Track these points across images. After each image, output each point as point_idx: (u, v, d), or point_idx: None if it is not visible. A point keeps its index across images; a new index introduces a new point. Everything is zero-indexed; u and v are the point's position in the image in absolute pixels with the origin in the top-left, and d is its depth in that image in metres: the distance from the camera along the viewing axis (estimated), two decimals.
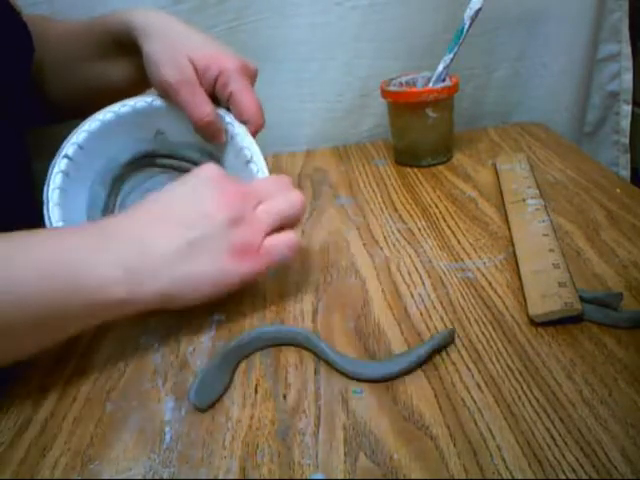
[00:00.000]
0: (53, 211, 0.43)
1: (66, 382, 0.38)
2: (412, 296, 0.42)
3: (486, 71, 0.76)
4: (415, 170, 0.64)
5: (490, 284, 0.42)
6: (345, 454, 0.30)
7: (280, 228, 0.41)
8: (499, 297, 0.41)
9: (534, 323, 0.37)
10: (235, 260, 0.38)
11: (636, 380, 0.32)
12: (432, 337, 0.36)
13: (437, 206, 0.55)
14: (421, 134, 0.64)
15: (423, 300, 0.41)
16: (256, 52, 0.71)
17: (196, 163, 0.50)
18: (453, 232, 0.50)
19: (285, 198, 0.41)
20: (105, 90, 0.56)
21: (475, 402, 0.32)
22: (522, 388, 0.33)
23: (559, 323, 0.37)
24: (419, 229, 0.52)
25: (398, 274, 0.45)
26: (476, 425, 0.31)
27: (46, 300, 0.33)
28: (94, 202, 0.47)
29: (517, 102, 0.79)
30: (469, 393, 0.33)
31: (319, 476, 0.29)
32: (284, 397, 0.34)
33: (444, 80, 0.63)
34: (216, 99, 0.49)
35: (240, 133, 0.48)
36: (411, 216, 0.54)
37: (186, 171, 0.49)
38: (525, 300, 0.39)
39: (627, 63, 0.77)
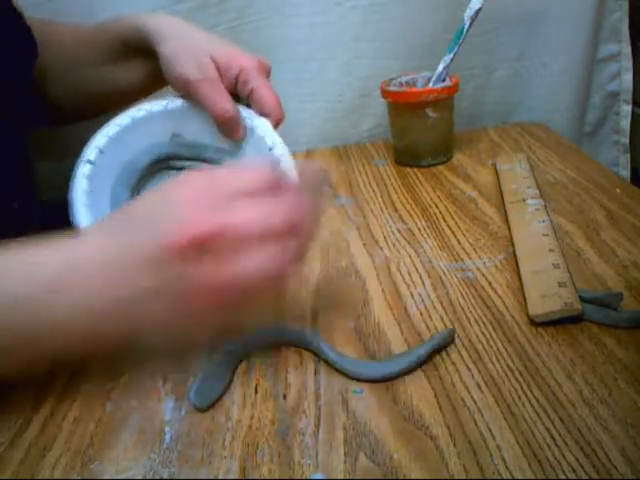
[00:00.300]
0: (81, 212, 0.44)
1: (66, 382, 0.38)
2: (412, 296, 0.42)
3: (486, 71, 0.76)
4: (415, 170, 0.64)
5: (490, 284, 0.42)
6: (345, 454, 0.30)
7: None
8: (499, 297, 0.41)
9: (534, 323, 0.37)
10: (198, 302, 0.32)
11: (636, 380, 0.32)
12: (432, 337, 0.36)
13: (437, 206, 0.55)
14: (421, 134, 0.64)
15: (423, 300, 0.41)
16: (257, 52, 0.70)
17: (214, 162, 0.50)
18: (453, 232, 0.50)
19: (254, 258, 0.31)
20: (109, 94, 0.57)
21: (475, 402, 0.32)
22: (522, 388, 0.33)
23: (559, 323, 0.37)
24: (419, 229, 0.52)
25: (398, 274, 0.45)
26: (476, 425, 0.31)
27: None
28: (117, 204, 0.48)
29: (517, 102, 0.79)
30: (469, 393, 0.33)
31: (319, 476, 0.29)
32: (284, 397, 0.34)
33: (444, 80, 0.63)
34: (235, 97, 0.49)
35: (260, 125, 0.49)
36: (411, 216, 0.54)
37: None
38: (525, 300, 0.39)
39: (627, 63, 0.77)
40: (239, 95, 0.49)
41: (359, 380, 0.35)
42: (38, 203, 0.55)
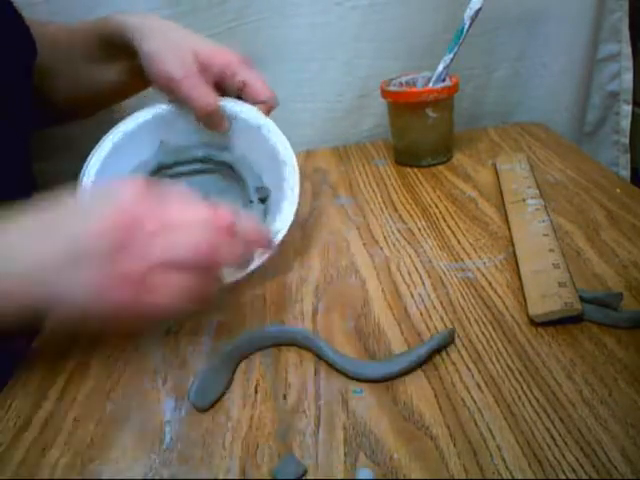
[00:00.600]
0: None
1: (66, 382, 0.38)
2: (412, 296, 0.42)
3: (486, 71, 0.76)
4: (415, 170, 0.64)
5: (490, 284, 0.42)
6: (345, 454, 0.30)
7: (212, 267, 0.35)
8: (499, 297, 0.41)
9: (534, 323, 0.37)
10: (111, 287, 0.33)
11: (636, 380, 0.32)
12: (432, 337, 0.36)
13: (437, 206, 0.55)
14: (421, 134, 0.64)
15: (423, 300, 0.41)
16: (256, 52, 0.71)
17: (203, 161, 0.50)
18: (453, 232, 0.50)
19: (189, 234, 0.33)
20: (97, 93, 0.57)
21: (475, 402, 0.32)
22: (522, 388, 0.33)
23: (559, 323, 0.37)
24: (419, 229, 0.52)
25: (398, 274, 0.45)
26: (476, 425, 0.31)
27: None
28: None
29: (517, 102, 0.79)
30: (469, 393, 0.33)
31: (366, 474, 0.29)
32: (284, 397, 0.34)
33: (444, 80, 0.63)
34: (221, 92, 0.49)
35: (244, 110, 0.49)
36: (411, 216, 0.54)
37: (196, 173, 0.50)
38: (525, 300, 0.39)
39: (627, 63, 0.77)
40: (227, 89, 0.49)
41: (359, 380, 0.35)
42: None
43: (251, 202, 0.49)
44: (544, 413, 0.31)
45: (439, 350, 0.36)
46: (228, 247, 0.35)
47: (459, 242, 0.48)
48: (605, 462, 0.28)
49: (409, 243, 0.49)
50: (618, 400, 0.31)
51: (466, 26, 0.59)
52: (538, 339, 0.36)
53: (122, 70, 0.54)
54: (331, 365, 0.36)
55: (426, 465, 0.29)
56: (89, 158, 0.48)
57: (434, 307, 0.41)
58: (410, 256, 0.47)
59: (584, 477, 0.27)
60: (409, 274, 0.45)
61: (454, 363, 0.35)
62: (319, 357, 0.37)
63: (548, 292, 0.38)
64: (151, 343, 0.40)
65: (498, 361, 0.35)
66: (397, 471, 0.29)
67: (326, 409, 0.33)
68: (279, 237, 0.45)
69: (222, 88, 0.49)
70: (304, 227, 0.54)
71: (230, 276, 0.43)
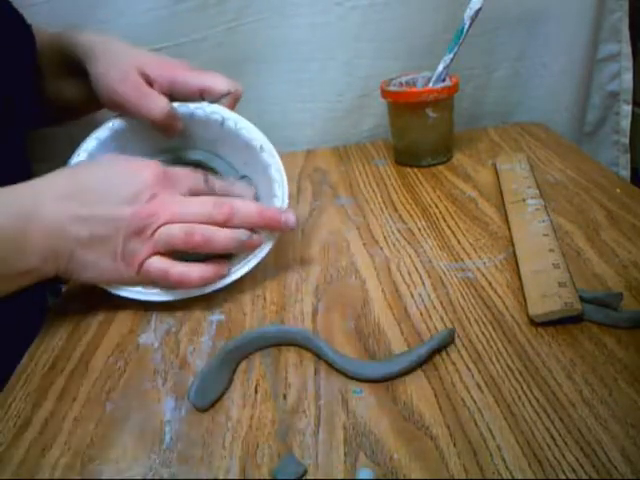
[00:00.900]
0: None
1: (66, 382, 0.38)
2: (412, 296, 0.42)
3: (486, 71, 0.76)
4: (415, 170, 0.64)
5: (490, 284, 0.42)
6: (345, 454, 0.30)
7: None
8: (499, 297, 0.41)
9: (534, 323, 0.37)
10: (123, 263, 0.41)
11: (636, 380, 0.32)
12: (432, 337, 0.36)
13: (437, 206, 0.55)
14: (421, 134, 0.64)
15: (423, 300, 0.41)
16: (256, 52, 0.71)
17: (174, 162, 0.50)
18: (453, 232, 0.50)
19: (185, 230, 0.41)
20: (65, 106, 0.57)
21: (475, 402, 0.32)
22: (522, 388, 0.33)
23: (559, 323, 0.37)
24: (419, 229, 0.52)
25: (398, 274, 0.45)
26: (476, 425, 0.31)
27: None
28: None
29: (517, 102, 0.79)
30: (469, 393, 0.33)
31: (367, 474, 0.29)
32: (284, 397, 0.34)
33: (444, 80, 0.63)
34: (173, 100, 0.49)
35: (201, 107, 0.48)
36: (411, 216, 0.54)
37: None
38: (525, 300, 0.39)
39: (627, 63, 0.77)
40: (185, 99, 0.49)
41: (359, 380, 0.35)
42: None
43: None
44: (544, 413, 0.31)
45: (439, 350, 0.36)
46: (224, 234, 0.42)
47: (459, 242, 0.48)
48: (605, 462, 0.28)
49: (409, 243, 0.49)
50: (618, 400, 0.31)
51: (466, 26, 0.59)
52: (538, 339, 0.36)
53: (82, 87, 0.53)
54: (331, 365, 0.36)
55: (426, 465, 0.29)
56: None
57: (434, 307, 0.41)
58: (410, 256, 0.47)
59: (584, 477, 0.27)
60: (409, 274, 0.45)
61: (454, 363, 0.35)
62: (319, 357, 0.37)
63: (548, 292, 0.38)
64: (151, 343, 0.40)
65: (498, 361, 0.35)
66: (397, 471, 0.29)
67: (326, 409, 0.33)
68: (275, 235, 0.45)
69: (177, 99, 0.48)
70: (304, 227, 0.54)
71: (237, 270, 0.44)
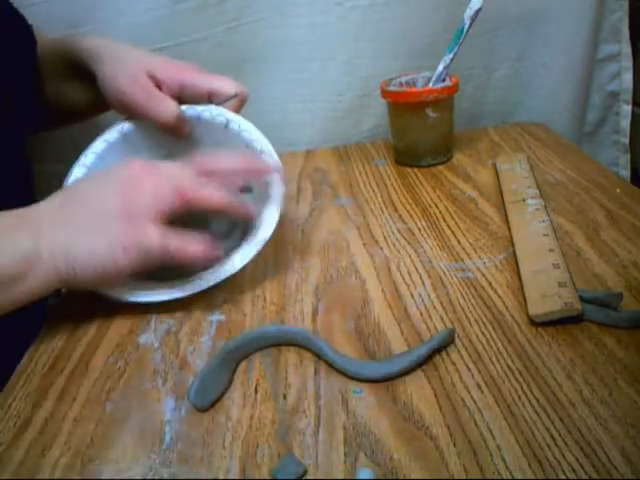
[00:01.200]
0: None
1: (66, 382, 0.38)
2: (412, 296, 0.42)
3: (486, 71, 0.76)
4: (415, 170, 0.64)
5: (490, 284, 0.42)
6: (345, 454, 0.30)
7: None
8: (499, 297, 0.41)
9: (534, 323, 0.37)
10: (119, 250, 0.40)
11: (636, 380, 0.32)
12: (432, 337, 0.36)
13: (437, 206, 0.55)
14: (421, 134, 0.64)
15: (423, 300, 0.41)
16: (256, 52, 0.71)
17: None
18: (453, 232, 0.50)
19: (175, 188, 0.41)
20: (70, 109, 0.57)
21: (475, 402, 0.32)
22: (522, 388, 0.33)
23: (559, 323, 0.37)
24: (419, 229, 0.52)
25: (398, 274, 0.45)
26: (476, 425, 0.31)
27: None
28: None
29: (517, 102, 0.79)
30: (469, 393, 0.33)
31: (367, 474, 0.29)
32: (284, 397, 0.34)
33: (444, 80, 0.63)
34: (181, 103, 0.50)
35: (207, 110, 0.49)
36: (411, 216, 0.54)
37: None
38: (525, 300, 0.39)
39: (627, 63, 0.77)
40: (193, 101, 0.49)
41: (359, 380, 0.35)
42: None
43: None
44: (544, 413, 0.31)
45: (439, 350, 0.36)
46: (213, 187, 0.42)
47: (459, 242, 0.48)
48: (605, 462, 0.28)
49: (409, 243, 0.49)
50: (618, 400, 0.31)
51: (466, 26, 0.59)
52: (538, 339, 0.36)
53: (88, 91, 0.54)
54: (331, 365, 0.36)
55: (426, 465, 0.29)
56: (65, 181, 0.48)
57: (434, 307, 0.41)
58: (410, 256, 0.47)
59: (584, 477, 0.27)
60: (409, 274, 0.45)
61: (454, 363, 0.35)
62: (319, 357, 0.37)
63: (548, 292, 0.38)
64: (151, 343, 0.40)
65: (498, 361, 0.35)
66: (397, 471, 0.29)
67: (326, 409, 0.33)
68: (278, 211, 0.46)
69: (185, 102, 0.49)
70: (304, 227, 0.54)
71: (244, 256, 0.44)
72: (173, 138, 0.49)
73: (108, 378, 0.38)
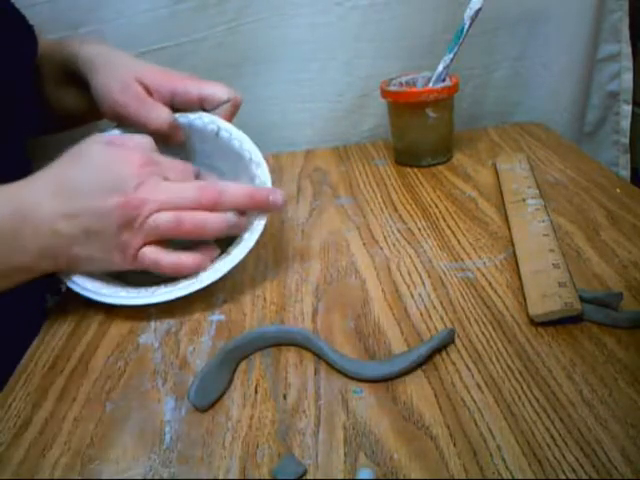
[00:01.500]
0: None
1: (66, 382, 0.38)
2: (412, 296, 0.42)
3: (486, 71, 0.76)
4: (415, 170, 0.64)
5: (490, 284, 0.42)
6: (345, 454, 0.30)
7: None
8: (499, 297, 0.41)
9: (534, 323, 0.37)
10: (118, 255, 0.41)
11: (636, 380, 0.32)
12: (432, 337, 0.36)
13: (437, 206, 0.55)
14: (421, 134, 0.64)
15: (423, 300, 0.41)
16: (256, 52, 0.71)
17: None
18: (453, 232, 0.50)
19: (174, 219, 0.41)
20: (66, 114, 0.58)
21: (475, 402, 0.32)
22: (522, 388, 0.33)
23: (559, 323, 0.37)
24: (419, 229, 0.52)
25: (398, 274, 0.45)
26: (476, 425, 0.31)
27: None
28: None
29: (517, 102, 0.79)
30: (469, 393, 0.33)
31: (367, 474, 0.29)
32: (284, 397, 0.34)
33: (444, 80, 0.63)
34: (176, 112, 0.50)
35: (199, 117, 0.49)
36: (411, 216, 0.54)
37: None
38: (525, 300, 0.39)
39: (627, 63, 0.77)
40: (186, 108, 0.49)
41: (359, 380, 0.35)
42: None
43: None
44: (544, 413, 0.31)
45: (439, 350, 0.36)
46: (214, 218, 0.41)
47: (459, 242, 0.48)
48: (605, 462, 0.28)
49: (409, 243, 0.49)
50: (618, 400, 0.31)
51: (466, 26, 0.59)
52: (538, 339, 0.36)
53: (82, 97, 0.54)
54: (331, 365, 0.36)
55: (426, 465, 0.29)
56: None
57: (434, 307, 0.41)
58: (410, 256, 0.47)
59: (584, 477, 0.27)
60: (409, 274, 0.45)
61: (454, 363, 0.35)
62: (319, 357, 0.37)
63: (548, 292, 0.38)
64: (151, 343, 0.40)
65: (498, 361, 0.35)
66: (397, 471, 0.29)
67: (326, 409, 0.33)
68: (261, 225, 0.45)
69: (177, 109, 0.49)
70: (304, 227, 0.54)
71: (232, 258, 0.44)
72: (164, 145, 0.49)
73: (108, 378, 0.38)
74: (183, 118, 0.49)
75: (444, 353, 0.36)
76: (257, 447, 0.31)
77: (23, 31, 0.53)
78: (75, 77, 0.52)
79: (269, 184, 0.47)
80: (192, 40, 0.68)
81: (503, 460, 0.28)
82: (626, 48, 0.77)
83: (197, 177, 0.45)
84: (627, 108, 0.80)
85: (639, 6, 0.77)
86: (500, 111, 0.80)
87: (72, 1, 0.64)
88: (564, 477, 0.27)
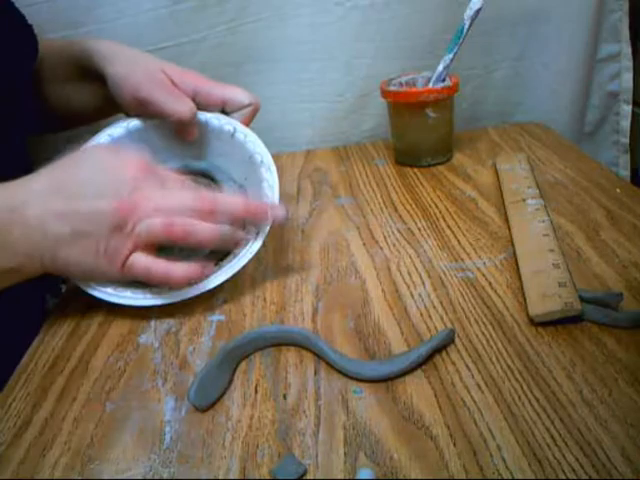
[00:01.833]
0: None
1: (66, 382, 0.38)
2: (412, 296, 0.42)
3: (486, 71, 0.76)
4: (415, 170, 0.64)
5: (490, 284, 0.42)
6: (345, 454, 0.30)
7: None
8: (499, 297, 0.41)
9: (534, 323, 0.37)
10: (106, 260, 0.40)
11: (636, 380, 0.32)
12: (432, 337, 0.36)
13: (437, 206, 0.55)
14: (421, 134, 0.64)
15: (423, 300, 0.41)
16: (256, 52, 0.71)
17: (180, 171, 0.50)
18: (453, 232, 0.50)
19: (165, 223, 0.40)
20: (75, 112, 0.57)
21: (475, 402, 0.32)
22: (522, 388, 0.33)
23: (559, 323, 0.37)
24: (419, 229, 0.52)
25: (398, 274, 0.45)
26: (476, 425, 0.31)
27: None
28: None
29: (517, 102, 0.79)
30: (469, 393, 0.33)
31: (367, 474, 0.29)
32: (284, 397, 0.34)
33: (444, 80, 0.62)
34: None
35: (216, 117, 0.49)
36: (411, 216, 0.54)
37: None
38: (525, 300, 0.39)
39: (627, 63, 0.77)
40: (205, 109, 0.50)
41: (359, 380, 0.35)
42: None
43: None
44: (544, 413, 0.31)
45: (439, 350, 0.36)
46: (206, 227, 0.40)
47: (459, 242, 0.48)
48: (605, 462, 0.28)
49: (409, 243, 0.49)
50: (618, 400, 0.31)
51: (466, 26, 0.59)
52: (538, 339, 0.36)
53: (95, 94, 0.54)
54: (331, 365, 0.36)
55: (426, 465, 0.29)
56: None
57: (434, 307, 0.41)
58: (410, 256, 0.47)
59: (584, 477, 0.27)
60: (409, 274, 0.45)
61: (454, 363, 0.35)
62: (319, 357, 0.37)
63: (548, 292, 0.38)
64: (151, 343, 0.40)
65: (498, 361, 0.35)
66: (397, 471, 0.29)
67: (326, 409, 0.33)
68: (264, 232, 0.45)
69: (197, 108, 0.49)
70: (304, 227, 0.54)
71: (224, 271, 0.44)
72: (177, 143, 0.49)
73: (108, 378, 0.38)
74: (201, 116, 0.49)
75: (444, 353, 0.36)
76: (257, 447, 0.31)
77: (23, 30, 0.53)
78: (87, 73, 0.52)
79: (277, 189, 0.47)
80: (192, 40, 0.68)
81: (503, 460, 0.28)
82: (626, 48, 0.77)
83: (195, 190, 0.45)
84: (627, 108, 0.80)
85: (639, 6, 0.77)
86: (500, 111, 0.80)
87: (71, 1, 0.64)
88: (564, 477, 0.27)
